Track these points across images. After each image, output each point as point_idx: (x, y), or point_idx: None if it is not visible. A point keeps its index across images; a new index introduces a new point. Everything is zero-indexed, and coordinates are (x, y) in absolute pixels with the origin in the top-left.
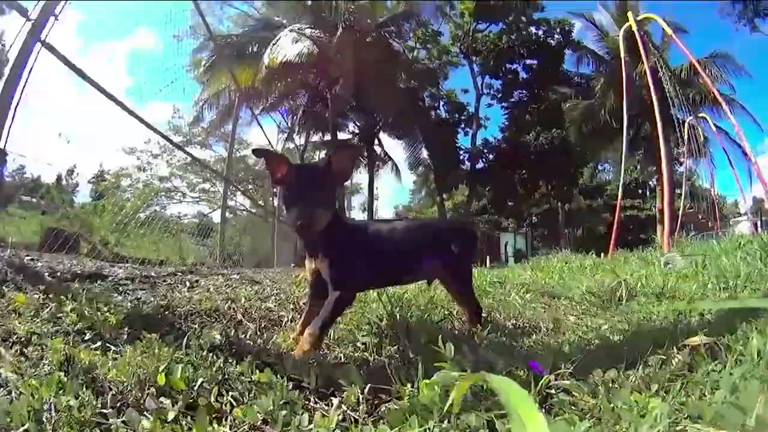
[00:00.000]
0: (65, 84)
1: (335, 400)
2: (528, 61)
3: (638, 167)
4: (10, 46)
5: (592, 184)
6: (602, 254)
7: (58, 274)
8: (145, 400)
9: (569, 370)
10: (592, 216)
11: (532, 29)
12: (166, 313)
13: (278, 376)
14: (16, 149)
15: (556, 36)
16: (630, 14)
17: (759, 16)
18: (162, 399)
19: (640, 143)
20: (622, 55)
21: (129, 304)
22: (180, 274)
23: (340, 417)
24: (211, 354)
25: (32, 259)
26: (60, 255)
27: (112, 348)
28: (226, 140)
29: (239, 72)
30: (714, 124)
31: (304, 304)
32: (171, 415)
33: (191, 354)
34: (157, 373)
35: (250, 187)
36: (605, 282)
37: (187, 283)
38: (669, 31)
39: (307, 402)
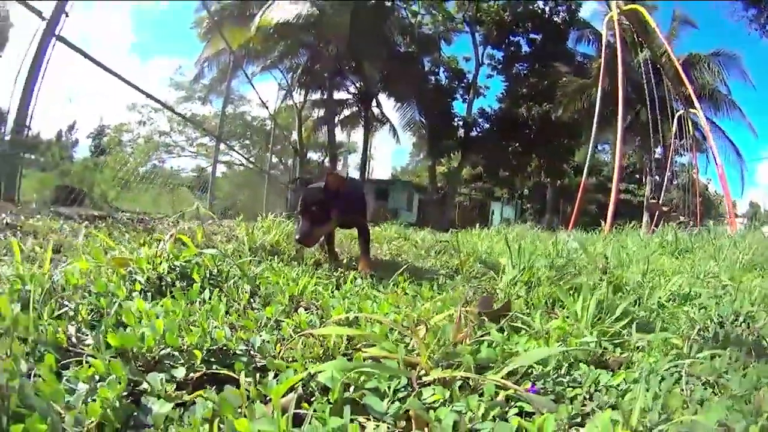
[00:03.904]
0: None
1: None
2: (532, 36)
3: (635, 153)
4: (29, 44)
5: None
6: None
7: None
8: None
9: None
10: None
11: (539, 3)
12: None
13: None
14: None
15: (562, 13)
16: (614, 4)
17: None
18: None
19: (638, 129)
20: (604, 42)
21: None
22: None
23: None
24: None
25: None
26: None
27: None
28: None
29: (238, 32)
30: (710, 121)
31: None
32: None
33: None
34: None
35: (247, 142)
36: (430, 240)
37: None
38: (653, 24)
39: None
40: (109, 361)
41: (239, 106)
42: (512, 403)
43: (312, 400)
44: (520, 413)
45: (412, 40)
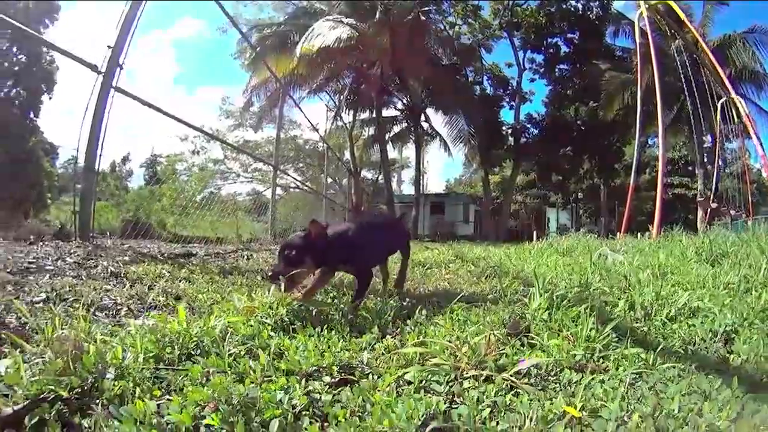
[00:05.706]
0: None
1: None
2: (569, 35)
3: (686, 144)
4: (89, 98)
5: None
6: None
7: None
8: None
9: None
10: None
11: (571, 1)
12: None
13: None
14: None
15: (595, 9)
16: (642, 2)
17: None
18: None
19: (685, 120)
20: (637, 39)
21: None
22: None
23: None
24: None
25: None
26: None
27: None
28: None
29: (282, 61)
30: (754, 104)
31: None
32: None
33: None
34: None
35: (301, 165)
36: (481, 265)
37: None
38: (682, 15)
39: None
40: (287, 379)
41: (290, 131)
42: (513, 390)
43: (403, 387)
44: (516, 395)
45: (453, 51)
